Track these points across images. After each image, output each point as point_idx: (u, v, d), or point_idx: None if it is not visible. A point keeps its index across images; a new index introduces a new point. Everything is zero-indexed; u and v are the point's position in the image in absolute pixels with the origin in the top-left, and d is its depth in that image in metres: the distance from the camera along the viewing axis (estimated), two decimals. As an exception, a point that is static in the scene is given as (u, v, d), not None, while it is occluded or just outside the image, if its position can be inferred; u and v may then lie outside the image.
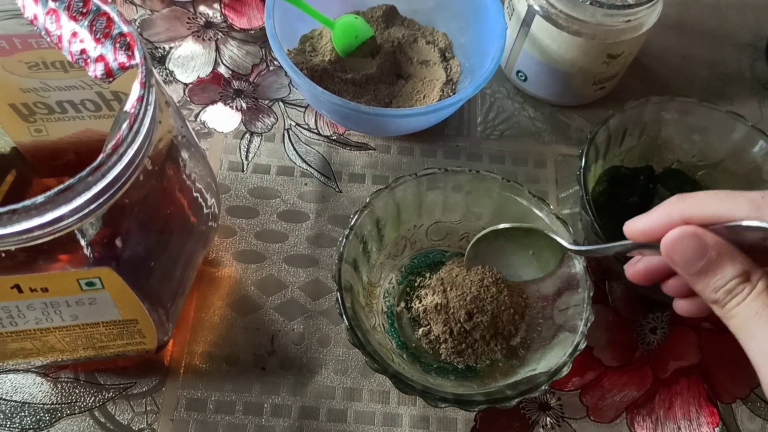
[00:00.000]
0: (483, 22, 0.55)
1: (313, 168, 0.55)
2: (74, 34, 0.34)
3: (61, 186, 0.30)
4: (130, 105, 0.32)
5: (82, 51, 0.34)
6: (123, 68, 0.33)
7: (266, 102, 0.57)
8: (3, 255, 0.32)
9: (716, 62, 0.64)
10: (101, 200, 0.32)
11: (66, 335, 0.39)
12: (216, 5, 0.61)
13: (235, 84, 0.58)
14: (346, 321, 0.42)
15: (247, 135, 0.56)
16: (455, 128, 0.58)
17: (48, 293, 0.34)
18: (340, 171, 0.55)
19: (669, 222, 0.36)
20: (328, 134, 0.57)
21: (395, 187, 0.47)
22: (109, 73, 0.33)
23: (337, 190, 0.54)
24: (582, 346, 0.42)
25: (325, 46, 0.57)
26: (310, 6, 0.55)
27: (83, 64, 0.34)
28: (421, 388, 0.41)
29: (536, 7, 0.52)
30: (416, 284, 0.50)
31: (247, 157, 0.55)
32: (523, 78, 0.58)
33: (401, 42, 0.58)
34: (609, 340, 0.51)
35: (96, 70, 0.34)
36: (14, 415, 0.45)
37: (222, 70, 0.58)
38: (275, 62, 0.59)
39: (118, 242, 0.34)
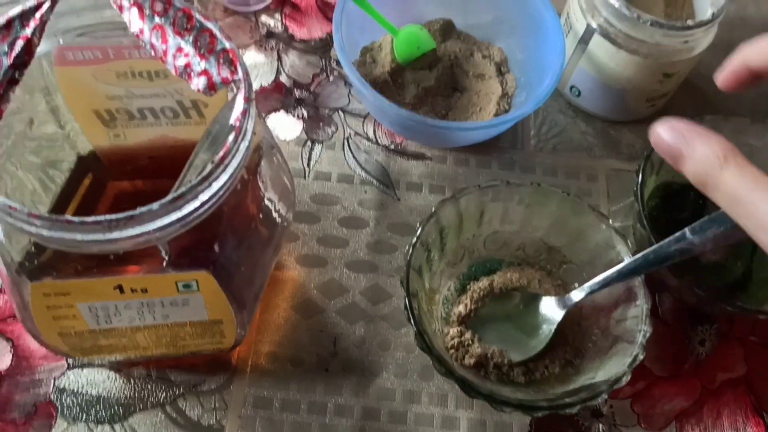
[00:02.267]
0: (541, 39, 0.56)
1: (372, 176, 0.57)
2: (179, 50, 0.36)
3: (174, 195, 0.32)
4: (234, 118, 0.34)
5: (187, 65, 0.35)
6: (226, 82, 0.35)
7: (326, 111, 0.59)
8: (111, 257, 0.34)
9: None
10: (206, 207, 0.33)
11: (153, 333, 0.40)
12: (277, 15, 0.63)
13: (297, 93, 0.60)
14: (414, 326, 0.44)
15: (309, 143, 0.58)
16: (509, 141, 0.60)
17: (147, 294, 0.36)
18: (398, 180, 0.57)
19: (735, 69, 0.39)
20: (386, 143, 0.58)
21: (460, 198, 0.48)
22: (212, 87, 0.35)
23: (395, 198, 0.56)
24: (641, 357, 0.44)
25: (384, 57, 0.58)
26: (378, 12, 0.56)
27: (186, 78, 0.36)
28: (487, 393, 0.42)
29: (595, 26, 0.54)
30: (471, 291, 0.52)
31: (308, 165, 0.57)
32: (577, 93, 0.60)
33: (458, 55, 0.60)
34: (659, 351, 0.52)
35: (199, 83, 0.35)
36: (90, 408, 0.47)
37: (284, 79, 0.60)
38: (335, 72, 0.61)
39: (216, 247, 0.36)
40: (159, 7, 0.36)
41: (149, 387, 0.48)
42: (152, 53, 0.36)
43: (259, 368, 0.49)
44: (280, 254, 0.53)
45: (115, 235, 0.31)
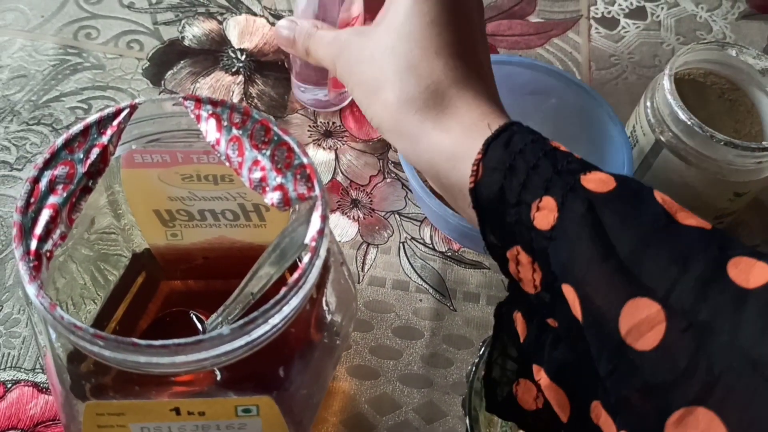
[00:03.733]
0: (606, 151, 0.55)
1: (428, 284, 0.55)
2: (256, 162, 0.35)
3: (246, 318, 0.30)
4: (309, 238, 0.33)
5: (262, 179, 0.34)
6: (302, 199, 0.34)
7: (383, 213, 0.58)
8: (172, 379, 0.32)
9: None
10: (275, 330, 0.32)
11: (202, 454, 0.38)
12: (336, 114, 0.63)
13: (353, 194, 0.59)
14: (476, 455, 0.41)
15: (364, 246, 0.56)
16: (569, 252, 0.58)
17: (204, 417, 0.34)
18: (454, 288, 0.55)
19: None
20: (443, 250, 0.57)
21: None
22: (287, 203, 0.34)
23: (451, 308, 0.54)
24: None
25: (444, 162, 0.57)
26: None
27: (261, 192, 0.35)
28: None
29: (664, 141, 0.53)
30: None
31: (363, 269, 0.55)
32: (641, 207, 0.58)
33: (518, 163, 0.59)
34: None
35: (274, 198, 0.34)
36: None
37: (340, 178, 0.60)
38: (393, 174, 0.60)
39: (281, 371, 0.34)
40: (237, 118, 0.36)
41: (188, 504, 0.45)
42: (227, 164, 0.35)
43: (305, 488, 0.46)
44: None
45: (181, 359, 0.30)
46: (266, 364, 0.34)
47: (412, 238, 0.57)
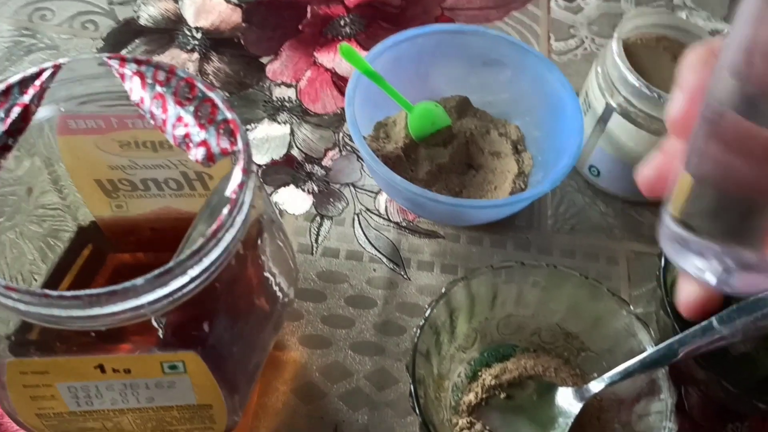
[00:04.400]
0: (559, 118, 0.55)
1: (382, 254, 0.55)
2: (179, 119, 0.34)
3: (160, 269, 0.30)
4: (231, 191, 0.32)
5: (186, 135, 0.34)
6: (225, 153, 0.34)
7: (337, 186, 0.58)
8: (93, 334, 0.32)
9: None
10: (195, 284, 0.31)
11: (138, 417, 0.38)
12: (291, 89, 0.63)
13: (308, 167, 0.59)
14: (419, 416, 0.41)
15: (318, 218, 0.56)
16: (525, 220, 0.58)
17: (130, 374, 0.34)
18: (408, 258, 0.55)
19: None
20: (398, 220, 0.56)
21: (471, 279, 0.46)
22: (210, 158, 0.34)
23: (405, 277, 0.54)
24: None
25: (398, 133, 0.57)
26: (393, 88, 0.55)
27: (185, 148, 0.34)
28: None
29: (614, 105, 0.53)
30: (482, 379, 0.49)
31: (317, 241, 0.55)
32: (596, 173, 0.58)
33: (473, 133, 0.59)
34: (687, 451, 0.48)
35: (197, 154, 0.34)
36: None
37: (295, 152, 0.59)
38: (348, 147, 0.60)
39: (206, 326, 0.34)
40: (161, 76, 0.35)
41: (136, 474, 0.45)
42: (152, 122, 0.35)
43: (254, 456, 0.46)
44: (281, 334, 0.50)
45: (96, 311, 0.29)
46: (191, 319, 0.33)
47: (367, 209, 0.57)
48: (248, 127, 0.60)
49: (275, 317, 0.41)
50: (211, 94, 0.35)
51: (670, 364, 0.43)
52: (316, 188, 0.57)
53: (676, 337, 0.42)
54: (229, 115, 0.34)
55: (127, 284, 0.29)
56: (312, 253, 0.54)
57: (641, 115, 0.51)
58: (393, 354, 0.50)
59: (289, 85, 0.63)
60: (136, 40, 0.65)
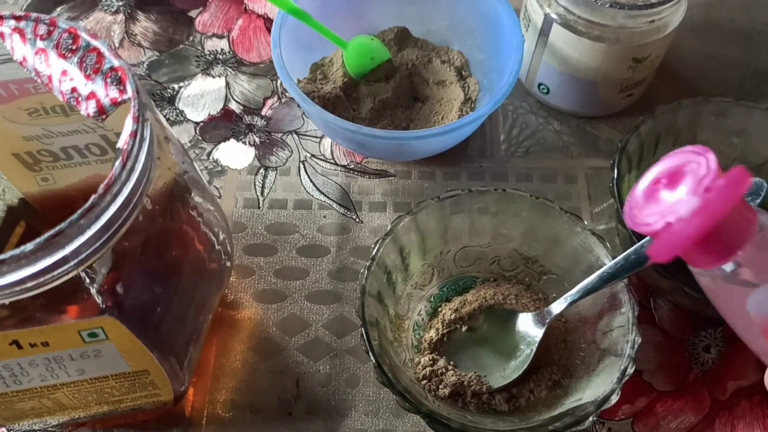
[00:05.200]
0: (499, 37, 0.52)
1: (332, 199, 0.53)
2: (64, 72, 0.32)
3: (52, 231, 0.28)
4: (122, 141, 0.30)
5: (73, 89, 0.32)
6: (115, 104, 0.31)
7: (280, 135, 0.56)
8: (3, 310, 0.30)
9: (749, 61, 0.61)
10: (97, 244, 0.29)
11: (75, 391, 0.36)
12: (224, 40, 0.60)
13: (247, 119, 0.56)
14: (373, 358, 0.39)
15: (262, 170, 0.54)
16: (478, 148, 0.55)
17: (49, 348, 0.32)
18: (359, 201, 0.53)
19: None
20: (345, 163, 0.54)
21: (417, 213, 0.44)
22: (101, 110, 0.32)
23: (357, 220, 0.52)
24: (630, 370, 0.39)
25: (336, 72, 0.55)
26: (322, 25, 0.53)
27: (75, 104, 0.32)
28: (458, 427, 0.38)
29: (553, 15, 0.50)
30: (442, 314, 0.47)
31: (262, 193, 0.53)
32: (546, 91, 0.56)
33: (415, 64, 0.56)
34: (659, 363, 0.47)
35: (88, 108, 0.32)
36: (31, 479, 0.43)
37: (233, 105, 0.57)
38: (287, 94, 0.57)
39: (120, 288, 0.32)
40: (42, 30, 0.33)
41: (95, 450, 0.43)
42: (38, 79, 0.33)
43: (216, 419, 0.45)
44: (234, 292, 0.49)
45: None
46: (102, 283, 0.32)
47: (312, 155, 0.55)
48: (182, 84, 0.58)
49: (209, 274, 0.39)
50: (95, 43, 0.32)
51: (629, 275, 0.41)
52: (257, 140, 0.55)
53: (632, 248, 0.41)
54: (116, 62, 0.32)
55: (15, 251, 0.27)
56: (259, 207, 0.52)
57: (581, 22, 0.49)
58: (350, 300, 0.49)
59: (220, 37, 0.60)
60: (58, 8, 0.62)
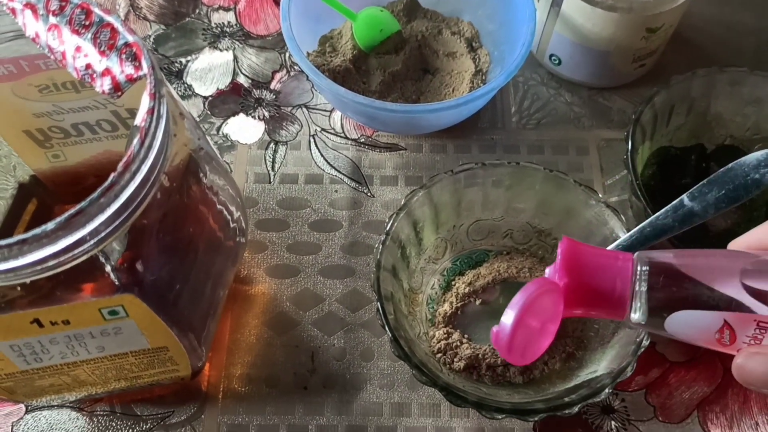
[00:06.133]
0: (510, 7, 0.52)
1: (343, 173, 0.52)
2: (78, 49, 0.32)
3: (72, 210, 0.28)
4: (140, 119, 0.30)
5: (87, 66, 0.32)
6: (131, 80, 0.31)
7: (289, 109, 0.55)
8: (20, 288, 0.30)
9: (764, 29, 0.60)
10: (117, 223, 0.29)
11: (95, 368, 0.37)
12: (231, 13, 0.59)
13: (256, 93, 0.56)
14: (389, 332, 0.39)
15: (272, 145, 0.54)
16: (489, 121, 0.55)
17: (70, 325, 0.32)
18: (371, 175, 0.52)
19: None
20: (356, 137, 0.54)
21: (431, 187, 0.44)
22: (117, 87, 0.31)
23: (369, 194, 0.52)
24: (646, 342, 0.39)
25: (345, 45, 0.54)
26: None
27: (90, 80, 0.32)
28: (475, 400, 0.38)
29: (566, -15, 0.49)
30: (456, 288, 0.47)
31: (273, 168, 0.53)
32: (557, 62, 0.55)
33: (425, 35, 0.56)
34: (672, 334, 0.47)
35: (103, 84, 0.32)
36: (51, 453, 0.43)
37: (241, 79, 0.56)
38: (296, 67, 0.57)
39: (139, 266, 0.32)
40: (54, 5, 0.32)
41: (114, 424, 0.44)
42: (51, 56, 0.32)
43: (232, 393, 0.45)
44: (247, 268, 0.49)
45: (11, 263, 0.28)
46: (122, 261, 0.32)
47: (323, 129, 0.54)
48: (189, 58, 0.57)
49: (225, 250, 0.39)
50: (109, 18, 0.32)
51: (646, 248, 0.41)
52: (266, 114, 0.55)
53: (648, 220, 0.40)
54: (130, 38, 0.32)
55: (37, 230, 0.27)
56: (270, 182, 0.52)
57: (595, -9, 0.48)
58: (364, 274, 0.49)
59: (227, 9, 0.60)
60: (62, -18, 0.61)
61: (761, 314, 0.31)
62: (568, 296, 0.33)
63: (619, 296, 0.33)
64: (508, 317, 0.33)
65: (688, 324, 0.32)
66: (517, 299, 0.33)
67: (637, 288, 0.33)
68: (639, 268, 0.33)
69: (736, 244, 0.34)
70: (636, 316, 0.33)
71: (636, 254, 0.34)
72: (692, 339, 0.33)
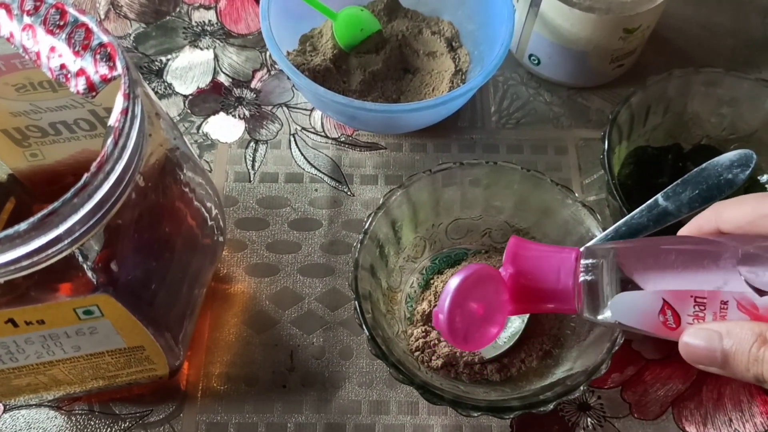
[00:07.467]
0: (489, 7, 0.52)
1: (323, 172, 0.53)
2: (52, 49, 0.32)
3: (46, 210, 0.28)
4: (114, 119, 0.30)
5: (62, 66, 0.32)
6: (105, 81, 0.31)
7: (269, 108, 0.55)
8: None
9: (740, 30, 0.61)
10: (91, 222, 0.29)
11: (71, 367, 0.37)
12: (211, 11, 0.59)
13: (236, 92, 0.56)
14: (366, 331, 0.39)
15: (252, 143, 0.54)
16: (468, 120, 0.55)
17: (45, 325, 0.32)
18: (351, 174, 0.53)
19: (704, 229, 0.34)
20: (336, 136, 0.54)
21: (409, 186, 0.44)
22: (91, 87, 0.31)
23: (349, 193, 0.52)
24: (620, 340, 0.39)
25: (326, 44, 0.54)
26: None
27: (64, 80, 0.32)
28: (450, 398, 0.38)
29: (544, -15, 0.50)
30: (434, 286, 0.48)
31: (253, 167, 0.53)
32: (536, 62, 0.55)
33: (405, 35, 0.56)
34: (648, 332, 0.48)
35: (78, 85, 0.32)
36: (29, 453, 0.43)
37: (222, 78, 0.56)
38: (276, 66, 0.57)
39: (114, 266, 0.32)
40: (29, 5, 0.32)
41: (92, 423, 0.44)
42: (25, 56, 0.32)
43: (211, 391, 0.45)
44: (226, 266, 0.49)
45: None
46: (97, 260, 0.32)
47: (303, 128, 0.55)
48: (169, 56, 0.57)
49: (202, 249, 0.39)
50: (83, 19, 0.32)
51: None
52: (247, 113, 0.55)
53: (623, 219, 0.41)
54: (105, 38, 0.32)
55: (9, 231, 0.27)
56: (250, 181, 0.52)
57: (573, -8, 0.49)
58: (343, 273, 0.49)
59: (208, 8, 0.60)
60: (41, -21, 0.60)
61: (695, 289, 0.31)
62: (515, 289, 0.34)
63: (563, 288, 0.34)
64: (444, 297, 0.33)
65: (631, 308, 0.33)
66: (453, 280, 0.34)
67: (580, 279, 0.33)
68: (583, 261, 0.33)
69: (682, 232, 0.36)
70: (584, 308, 0.33)
71: (582, 248, 0.34)
72: (640, 324, 0.33)
